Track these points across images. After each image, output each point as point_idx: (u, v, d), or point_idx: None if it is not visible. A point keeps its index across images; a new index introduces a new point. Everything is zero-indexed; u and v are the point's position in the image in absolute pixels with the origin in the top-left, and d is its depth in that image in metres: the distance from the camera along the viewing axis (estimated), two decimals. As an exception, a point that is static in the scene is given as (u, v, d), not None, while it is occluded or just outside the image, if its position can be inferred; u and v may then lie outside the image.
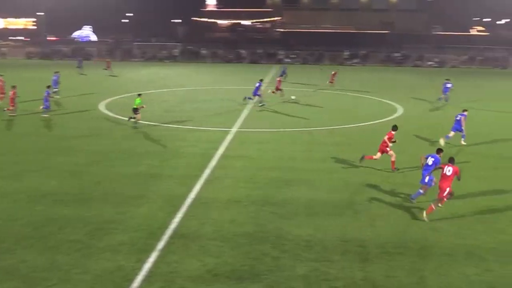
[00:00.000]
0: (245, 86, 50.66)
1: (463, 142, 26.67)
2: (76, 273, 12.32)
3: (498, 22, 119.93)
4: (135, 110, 29.54)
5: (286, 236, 14.75)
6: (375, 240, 14.56)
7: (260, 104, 37.85)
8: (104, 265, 12.72)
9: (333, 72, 51.63)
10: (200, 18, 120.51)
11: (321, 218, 16.21)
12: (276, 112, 35.90)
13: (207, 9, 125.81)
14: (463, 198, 18.27)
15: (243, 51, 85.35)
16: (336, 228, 15.39)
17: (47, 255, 13.20)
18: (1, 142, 26.16)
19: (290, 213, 16.58)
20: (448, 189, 16.17)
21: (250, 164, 22.29)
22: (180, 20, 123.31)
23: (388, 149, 21.53)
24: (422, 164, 17.79)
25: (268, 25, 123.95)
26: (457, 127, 26.84)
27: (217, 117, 33.30)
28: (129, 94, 42.92)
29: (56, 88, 40.70)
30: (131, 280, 12.05)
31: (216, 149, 24.73)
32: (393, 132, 21.64)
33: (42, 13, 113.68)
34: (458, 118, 26.95)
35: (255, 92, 37.85)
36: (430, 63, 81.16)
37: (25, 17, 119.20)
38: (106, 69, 61.98)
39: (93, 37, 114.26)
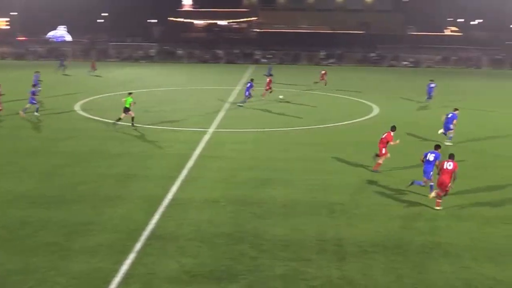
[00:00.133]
0: (222, 86, 50.66)
1: (447, 143, 26.80)
2: (52, 276, 12.20)
3: (471, 23, 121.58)
4: (126, 110, 29.39)
5: (264, 236, 14.80)
6: (352, 239, 14.69)
7: (239, 104, 37.97)
8: (81, 267, 12.63)
9: (322, 72, 51.69)
10: (176, 18, 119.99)
11: (299, 218, 16.29)
12: (253, 112, 35.95)
13: (183, 9, 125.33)
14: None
15: (219, 51, 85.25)
16: (313, 228, 15.48)
17: (23, 258, 13.04)
18: (-25, 143, 25.79)
19: (268, 213, 16.63)
20: (450, 183, 16.93)
21: (227, 165, 22.30)
22: (156, 20, 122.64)
23: (384, 150, 21.48)
24: (422, 161, 18.43)
25: (244, 25, 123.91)
26: (448, 125, 27.11)
27: (194, 117, 33.23)
28: (106, 95, 42.63)
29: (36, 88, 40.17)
30: (108, 282, 11.98)
31: (193, 149, 24.69)
32: (392, 133, 21.69)
33: (16, 13, 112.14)
34: (449, 116, 27.22)
35: (247, 92, 38.06)
36: (405, 63, 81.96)
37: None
38: (90, 70, 61.29)
39: (68, 37, 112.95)
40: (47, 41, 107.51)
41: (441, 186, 17.08)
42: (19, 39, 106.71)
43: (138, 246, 13.88)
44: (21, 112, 32.14)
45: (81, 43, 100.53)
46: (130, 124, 29.38)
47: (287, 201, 17.82)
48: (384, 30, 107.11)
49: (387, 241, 14.65)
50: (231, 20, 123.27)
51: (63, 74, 58.79)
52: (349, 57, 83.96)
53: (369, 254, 13.81)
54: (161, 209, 16.66)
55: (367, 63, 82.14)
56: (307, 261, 13.28)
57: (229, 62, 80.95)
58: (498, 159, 24.41)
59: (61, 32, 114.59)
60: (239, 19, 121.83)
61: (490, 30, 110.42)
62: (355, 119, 33.74)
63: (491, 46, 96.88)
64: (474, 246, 14.49)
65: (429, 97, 40.91)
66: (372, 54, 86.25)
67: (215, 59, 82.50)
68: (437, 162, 17.81)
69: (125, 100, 29.37)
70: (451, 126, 27.00)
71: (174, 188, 18.81)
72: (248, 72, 66.40)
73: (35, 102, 32.20)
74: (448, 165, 17.04)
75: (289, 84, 52.68)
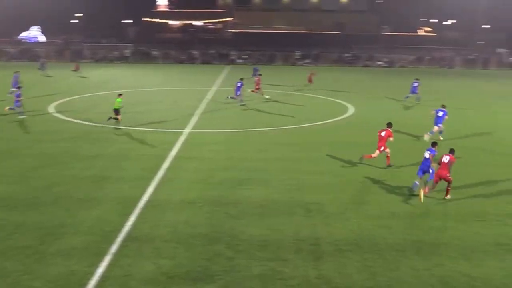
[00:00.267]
0: (198, 87, 50.51)
1: (426, 136, 27.27)
2: (26, 280, 12.07)
3: (444, 23, 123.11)
4: (116, 111, 29.30)
5: (240, 236, 14.83)
6: (328, 238, 14.80)
7: (241, 104, 38.28)
8: (56, 271, 12.51)
9: (310, 73, 51.78)
10: (152, 18, 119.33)
11: (275, 218, 16.35)
12: (229, 113, 35.92)
13: (158, 9, 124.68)
14: (413, 195, 18.75)
15: (195, 52, 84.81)
16: (289, 227, 15.55)
17: (-4, 261, 12.89)
18: None
19: (244, 213, 16.66)
20: (448, 175, 18.04)
21: (203, 165, 22.26)
22: (131, 21, 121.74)
23: (382, 147, 22.06)
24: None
25: (220, 26, 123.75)
26: (438, 122, 27.68)
27: (170, 118, 33.06)
28: (81, 96, 42.20)
29: (15, 89, 39.56)
30: (84, 285, 11.89)
31: (170, 150, 24.59)
32: (390, 130, 22.31)
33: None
34: (440, 115, 27.74)
35: (237, 92, 38.28)
36: (379, 63, 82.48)
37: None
38: (74, 71, 60.45)
39: (42, 38, 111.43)
40: (20, 42, 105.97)
41: (435, 177, 18.29)
42: None
43: (114, 248, 13.79)
44: (6, 109, 32.47)
45: (55, 43, 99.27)
46: (108, 118, 29.86)
47: (264, 201, 17.86)
48: (359, 31, 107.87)
49: (361, 239, 14.79)
50: (206, 21, 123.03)
51: (45, 76, 57.90)
52: (325, 57, 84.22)
53: (345, 252, 13.93)
54: (137, 211, 16.57)
55: (342, 63, 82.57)
56: (284, 261, 13.34)
57: (205, 62, 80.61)
58: (475, 157, 24.66)
59: (34, 33, 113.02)
60: (215, 19, 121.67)
61: (463, 30, 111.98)
62: (331, 119, 33.93)
63: (463, 46, 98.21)
64: (448, 243, 14.70)
65: (413, 96, 41.29)
66: (347, 54, 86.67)
67: (191, 60, 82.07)
68: (432, 158, 18.60)
69: (116, 102, 29.64)
70: (440, 124, 27.64)
71: (150, 190, 18.72)
72: (224, 72, 66.31)
73: (18, 103, 32.09)
74: (445, 158, 18.22)
75: (265, 84, 52.70)
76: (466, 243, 14.75)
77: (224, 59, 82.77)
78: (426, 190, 18.32)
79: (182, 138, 27.31)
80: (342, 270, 12.94)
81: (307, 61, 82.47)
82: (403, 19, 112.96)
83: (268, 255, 13.66)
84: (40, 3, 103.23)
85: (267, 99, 41.52)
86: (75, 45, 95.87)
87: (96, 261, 12.97)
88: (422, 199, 17.83)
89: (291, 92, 46.85)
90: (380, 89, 51.80)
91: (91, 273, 12.39)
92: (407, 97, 41.70)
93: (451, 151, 18.55)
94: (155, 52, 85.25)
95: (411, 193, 18.73)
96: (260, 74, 43.21)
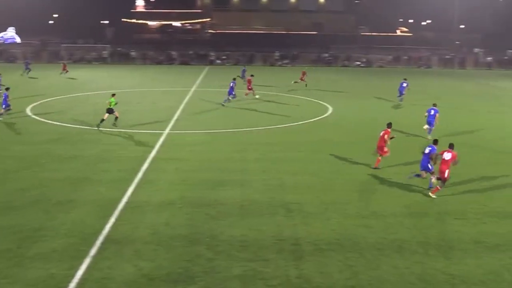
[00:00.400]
0: (177, 87, 50.32)
1: (429, 137, 27.42)
2: (5, 284, 11.90)
3: (422, 23, 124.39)
4: (110, 110, 29.25)
5: (220, 237, 14.80)
6: (308, 238, 14.83)
7: (223, 103, 38.49)
8: (35, 274, 12.35)
9: (302, 72, 51.75)
10: (130, 19, 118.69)
11: (255, 218, 16.35)
12: (207, 114, 35.82)
13: (136, 10, 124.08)
14: (392, 194, 18.89)
15: (174, 53, 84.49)
16: (270, 227, 15.55)
17: (-27, 266, 12.69)
18: None
19: (224, 214, 16.62)
20: (447, 171, 18.29)
21: (183, 166, 22.17)
22: (109, 22, 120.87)
23: (385, 148, 21.98)
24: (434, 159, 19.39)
25: (198, 27, 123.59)
26: (430, 120, 28.06)
27: (149, 119, 32.87)
28: (59, 97, 41.76)
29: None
30: (63, 288, 11.77)
31: (149, 152, 24.45)
32: (389, 130, 22.30)
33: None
34: (432, 113, 28.12)
35: (230, 92, 38.52)
36: (357, 63, 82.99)
37: None
38: (62, 72, 59.65)
39: (17, 39, 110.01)
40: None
41: (440, 174, 18.51)
42: None
43: (93, 250, 13.66)
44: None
45: (31, 45, 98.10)
46: (113, 124, 29.81)
47: (244, 201, 17.85)
48: (337, 31, 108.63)
49: (342, 239, 14.85)
50: (184, 21, 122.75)
51: (29, 77, 57.08)
52: (304, 58, 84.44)
53: (325, 252, 13.97)
54: (116, 213, 16.44)
55: (321, 63, 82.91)
56: (264, 261, 13.34)
57: (184, 63, 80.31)
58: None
59: (10, 34, 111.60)
60: (193, 20, 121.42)
61: (439, 30, 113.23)
62: (311, 119, 34.02)
63: (440, 46, 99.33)
64: (427, 241, 14.83)
65: (400, 95, 41.43)
66: (326, 55, 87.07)
67: (169, 61, 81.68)
68: (433, 155, 19.01)
69: (109, 102, 29.63)
70: (434, 122, 28.06)
71: (129, 191, 18.59)
72: (203, 73, 66.15)
73: (7, 105, 31.99)
74: (447, 155, 18.45)
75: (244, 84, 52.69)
76: (445, 241, 14.89)
77: (203, 59, 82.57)
78: (439, 188, 18.64)
79: (161, 139, 27.17)
80: (323, 269, 12.98)
81: (286, 61, 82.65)
82: (381, 19, 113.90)
83: (249, 256, 13.65)
84: (14, 3, 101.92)
85: (257, 98, 41.66)
86: (52, 46, 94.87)
87: (75, 264, 12.84)
88: (432, 195, 18.60)
89: (272, 93, 46.86)
90: (359, 88, 52.12)
91: (70, 276, 12.27)
92: (401, 97, 41.69)
93: (450, 146, 18.83)
94: (133, 53, 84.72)
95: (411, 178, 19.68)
96: (252, 75, 43.38)
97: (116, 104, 29.88)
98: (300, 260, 13.48)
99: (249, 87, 41.79)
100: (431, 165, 19.13)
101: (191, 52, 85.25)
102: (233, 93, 38.72)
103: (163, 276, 12.46)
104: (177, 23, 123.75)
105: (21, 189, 18.70)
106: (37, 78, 56.48)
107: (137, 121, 31.87)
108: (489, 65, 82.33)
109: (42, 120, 32.28)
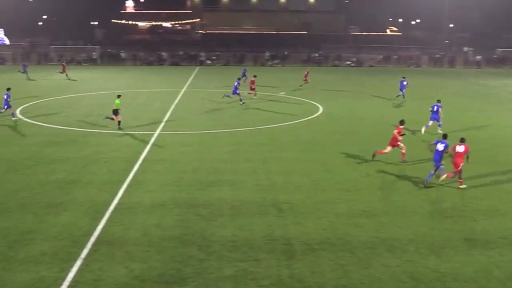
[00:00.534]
0: (167, 88, 50.20)
1: (439, 131, 28.13)
2: (-6, 287, 11.84)
3: (412, 23, 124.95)
4: (115, 112, 29.29)
5: (212, 237, 14.79)
6: (300, 238, 14.85)
7: (241, 103, 39.02)
8: (25, 277, 12.29)
9: (305, 72, 51.80)
10: (120, 20, 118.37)
11: (246, 218, 16.34)
12: (198, 115, 35.77)
13: (126, 11, 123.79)
14: (383, 193, 18.94)
15: (164, 53, 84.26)
16: (261, 227, 15.56)
17: (-38, 269, 12.60)
18: None
19: (215, 215, 16.61)
20: (461, 165, 18.93)
21: (173, 167, 22.13)
22: (98, 23, 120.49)
23: (399, 143, 22.39)
24: (432, 151, 19.82)
25: (188, 27, 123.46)
26: (435, 117, 28.99)
27: (140, 120, 32.77)
28: (48, 99, 41.56)
29: None
30: (53, 290, 11.72)
31: (139, 153, 24.38)
32: (401, 127, 22.52)
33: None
34: (435, 110, 28.91)
35: (235, 91, 38.89)
36: (348, 62, 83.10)
37: None
38: (61, 73, 59.23)
39: (6, 41, 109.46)
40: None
41: (454, 167, 19.13)
42: None
43: (84, 253, 13.61)
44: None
45: (20, 46, 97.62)
46: (105, 117, 30.02)
47: (235, 201, 17.84)
48: (327, 30, 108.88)
49: (334, 238, 14.88)
50: (174, 22, 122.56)
51: (28, 79, 56.66)
52: (294, 58, 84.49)
53: (317, 251, 13.99)
54: (107, 215, 16.39)
55: (311, 63, 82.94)
56: (256, 261, 13.34)
57: (174, 64, 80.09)
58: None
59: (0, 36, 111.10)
60: (183, 20, 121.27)
61: (429, 30, 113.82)
62: (301, 119, 34.04)
63: (430, 45, 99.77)
64: (417, 240, 14.89)
65: (401, 93, 41.73)
66: (316, 54, 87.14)
67: (160, 61, 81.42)
68: (448, 150, 19.42)
69: (115, 103, 29.69)
70: (439, 117, 28.98)
71: (120, 193, 18.53)
72: (194, 74, 66.04)
73: (9, 106, 31.93)
74: (460, 148, 19.01)
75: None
76: (436, 239, 14.95)
77: (193, 60, 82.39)
78: (444, 177, 19.38)
79: (152, 140, 27.10)
80: (315, 269, 13.00)
81: (276, 61, 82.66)
82: (371, 19, 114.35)
83: (240, 256, 13.64)
84: (3, 4, 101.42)
85: (253, 99, 41.78)
86: (41, 47, 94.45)
87: (66, 267, 12.79)
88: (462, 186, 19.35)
89: (262, 93, 46.85)
90: (349, 88, 52.18)
91: (61, 279, 12.22)
92: (399, 95, 41.96)
93: (462, 140, 19.23)
94: (123, 54, 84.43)
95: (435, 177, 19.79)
96: (255, 76, 43.53)
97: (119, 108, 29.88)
98: (292, 259, 13.49)
99: (252, 87, 42.08)
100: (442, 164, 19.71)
101: (181, 52, 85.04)
102: (237, 92, 38.89)
103: (154, 278, 12.44)
104: (167, 24, 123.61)
105: (10, 191, 18.59)
106: (34, 80, 56.21)
107: (128, 122, 31.73)
108: (478, 64, 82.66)
109: (32, 122, 32.10)
